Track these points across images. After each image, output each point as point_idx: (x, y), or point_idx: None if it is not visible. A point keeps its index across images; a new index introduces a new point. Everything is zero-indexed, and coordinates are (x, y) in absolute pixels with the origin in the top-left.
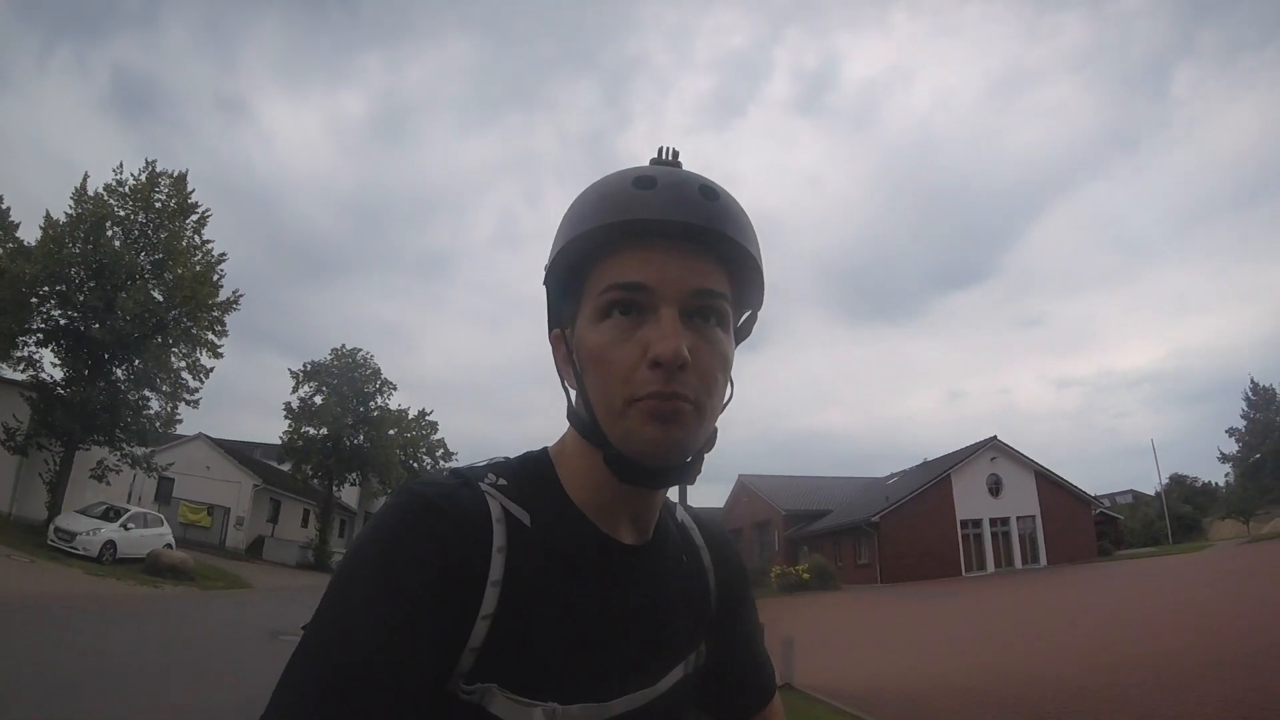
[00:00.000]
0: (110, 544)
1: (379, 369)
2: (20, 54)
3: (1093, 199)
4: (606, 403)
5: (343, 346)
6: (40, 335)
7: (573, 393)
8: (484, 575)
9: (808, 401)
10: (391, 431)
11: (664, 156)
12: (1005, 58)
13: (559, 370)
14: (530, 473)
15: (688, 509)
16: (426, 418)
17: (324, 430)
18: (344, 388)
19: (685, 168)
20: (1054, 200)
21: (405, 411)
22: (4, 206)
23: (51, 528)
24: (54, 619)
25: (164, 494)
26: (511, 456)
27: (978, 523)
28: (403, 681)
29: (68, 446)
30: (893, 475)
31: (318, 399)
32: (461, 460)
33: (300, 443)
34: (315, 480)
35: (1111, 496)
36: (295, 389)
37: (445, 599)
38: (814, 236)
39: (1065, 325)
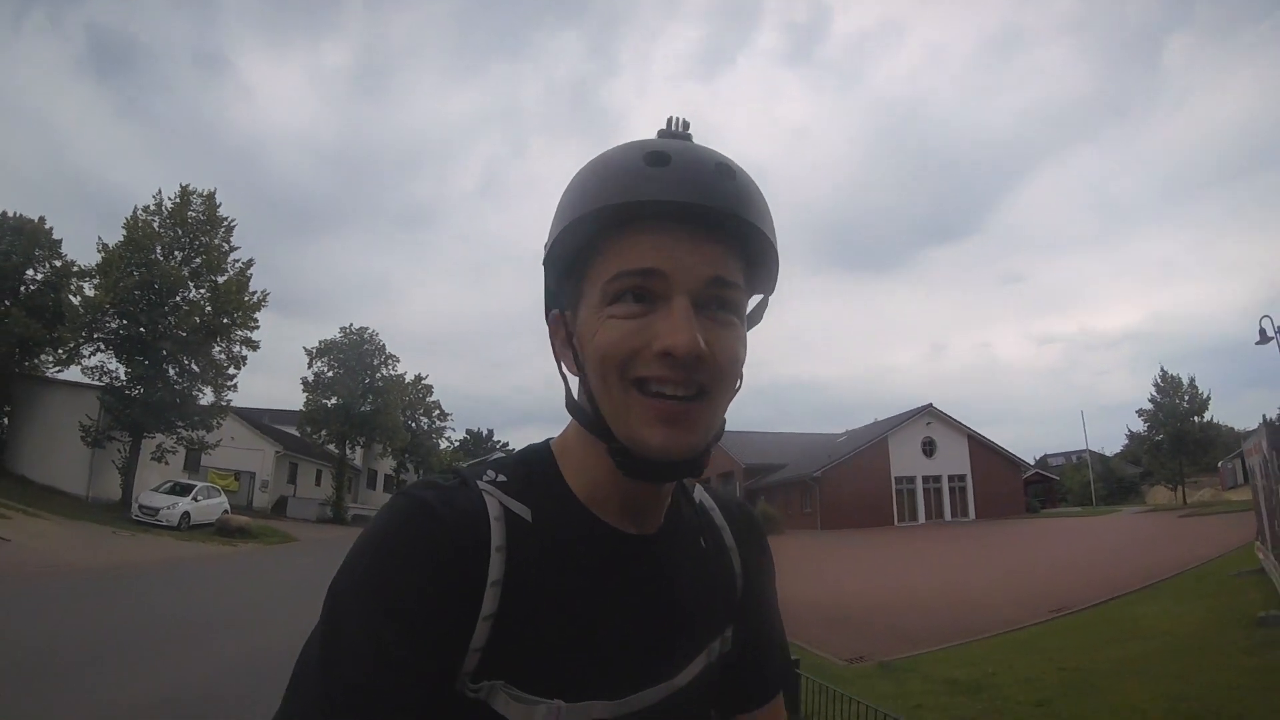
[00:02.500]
0: (186, 514)
1: (384, 345)
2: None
3: (1080, 163)
4: (609, 392)
5: (351, 325)
6: (104, 344)
7: (573, 380)
8: (483, 576)
9: (790, 351)
10: (395, 398)
11: (674, 128)
12: (999, 16)
13: (556, 355)
14: (531, 467)
15: (707, 488)
16: (423, 381)
17: (335, 400)
18: (353, 362)
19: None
20: (1041, 162)
21: (403, 376)
22: (49, 227)
23: (136, 505)
24: (186, 573)
25: (192, 463)
26: (513, 449)
27: (911, 479)
28: (405, 695)
29: (135, 437)
30: (843, 434)
31: (329, 372)
32: (455, 418)
33: (319, 413)
34: (331, 445)
35: (1069, 454)
36: (310, 364)
37: (444, 605)
38: (800, 188)
39: (1048, 284)
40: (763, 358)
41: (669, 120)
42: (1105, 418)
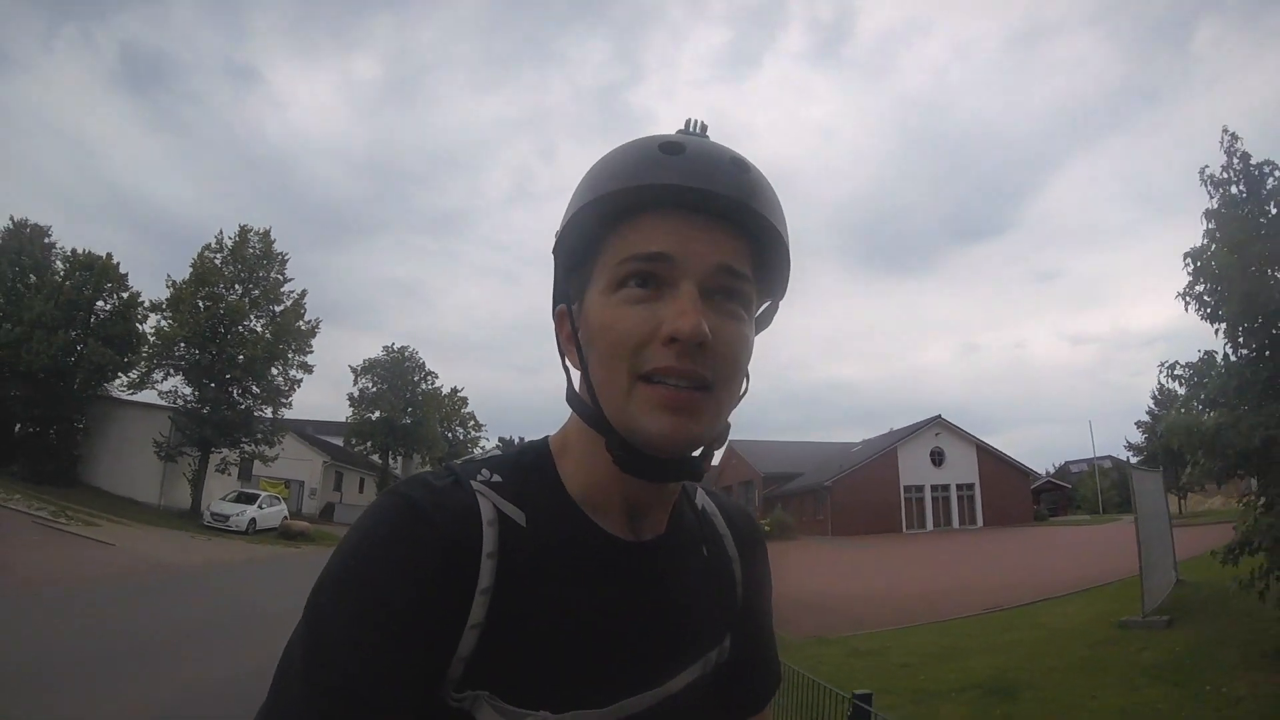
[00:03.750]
0: (253, 520)
1: (423, 363)
2: (26, 35)
3: (1112, 153)
4: (611, 380)
5: (393, 345)
6: (174, 369)
7: (575, 374)
8: (472, 583)
9: (821, 354)
10: (433, 411)
11: (691, 129)
12: (1025, 9)
13: (560, 349)
14: (528, 467)
15: (711, 494)
16: (458, 394)
17: (379, 414)
18: (395, 378)
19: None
20: (1073, 154)
21: (440, 389)
22: (116, 262)
23: (207, 512)
24: (265, 569)
25: (245, 473)
26: (512, 443)
27: (920, 488)
28: (387, 702)
29: (204, 451)
30: (859, 444)
31: (373, 388)
32: (489, 427)
33: (364, 426)
34: (374, 456)
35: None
36: (355, 380)
37: (430, 612)
38: (828, 187)
39: (1082, 280)
40: (794, 360)
41: (687, 122)
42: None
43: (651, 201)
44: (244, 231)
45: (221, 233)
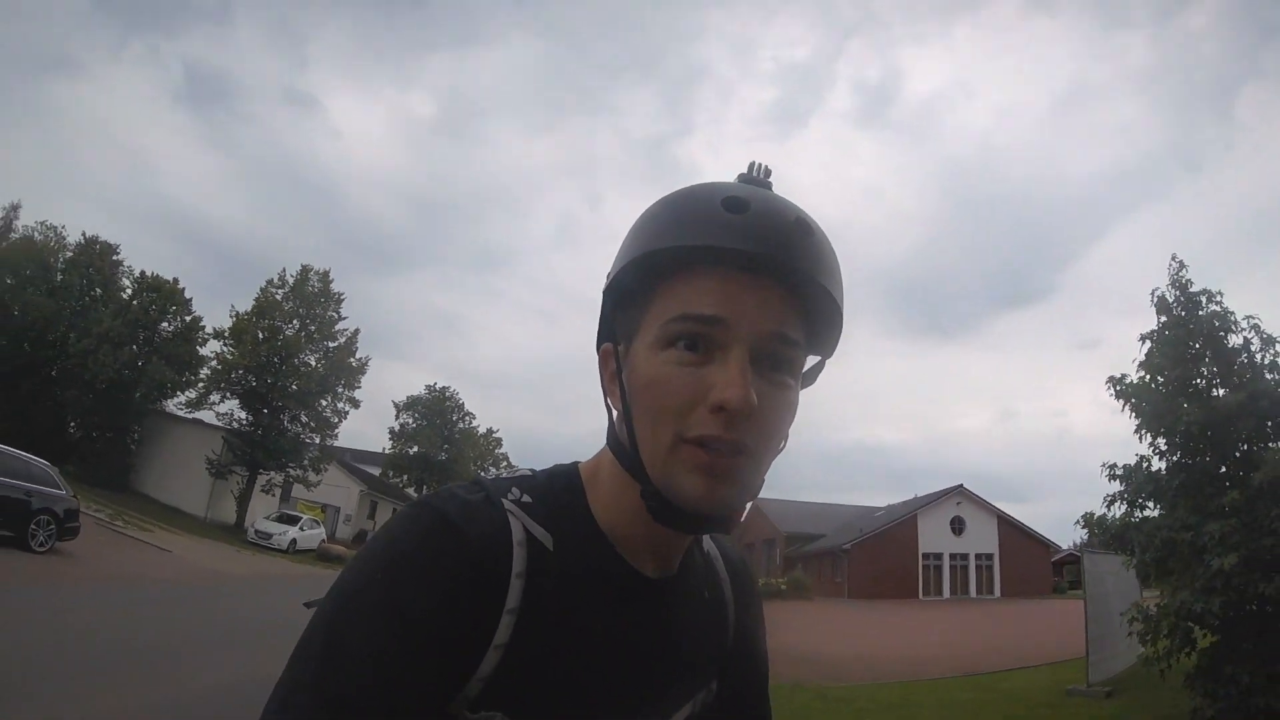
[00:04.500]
0: (294, 541)
1: (462, 403)
2: (98, 45)
3: (1154, 220)
4: (654, 438)
5: (434, 384)
6: (230, 394)
7: (615, 413)
8: (500, 602)
9: (857, 414)
10: (468, 450)
11: (755, 174)
12: (1068, 75)
13: (604, 387)
14: (558, 491)
15: (713, 538)
16: (494, 434)
17: (416, 449)
18: (435, 416)
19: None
20: (1115, 220)
21: (476, 429)
22: (181, 287)
23: (252, 530)
24: (302, 585)
25: (284, 494)
26: (538, 470)
27: (939, 555)
28: (403, 715)
29: (252, 471)
30: (882, 508)
31: (413, 424)
32: (519, 459)
33: (402, 459)
34: (410, 488)
35: None
36: (397, 416)
37: (455, 628)
38: (870, 248)
39: (1124, 349)
40: (826, 419)
41: (750, 165)
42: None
43: (709, 260)
44: (305, 270)
45: (285, 270)
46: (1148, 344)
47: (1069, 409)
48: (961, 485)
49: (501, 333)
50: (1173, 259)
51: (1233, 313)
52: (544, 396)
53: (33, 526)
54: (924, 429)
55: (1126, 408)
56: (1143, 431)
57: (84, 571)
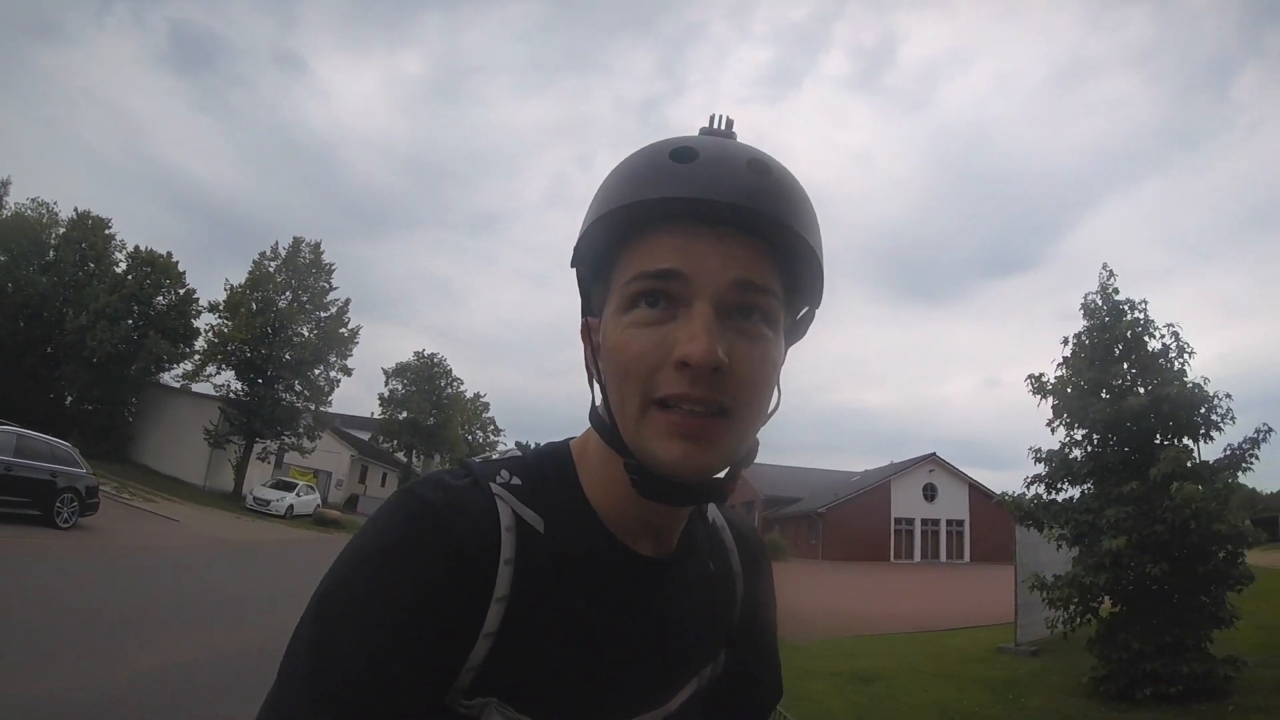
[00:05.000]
0: (291, 507)
1: (450, 369)
2: (80, 10)
3: (1147, 195)
4: (624, 404)
5: (423, 351)
6: (226, 364)
7: (598, 390)
8: (489, 590)
9: (845, 378)
10: (456, 415)
11: (715, 126)
12: (1068, 47)
13: (586, 365)
14: (548, 472)
15: (721, 507)
16: (481, 399)
17: (406, 415)
18: (423, 382)
19: (739, 139)
20: (1107, 193)
21: (464, 394)
22: (175, 260)
23: (250, 496)
24: (302, 549)
25: (277, 461)
26: (527, 450)
27: (910, 521)
28: (394, 710)
29: (249, 440)
30: (859, 474)
31: (402, 390)
32: (508, 430)
33: (392, 425)
34: (400, 453)
35: None
36: (386, 382)
37: (444, 619)
38: (860, 213)
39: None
40: (812, 382)
41: (711, 118)
42: None
43: (660, 215)
44: (297, 242)
45: (277, 243)
46: (1070, 345)
47: (1052, 378)
48: (934, 453)
49: (492, 295)
50: (1103, 267)
51: (1153, 320)
52: (534, 359)
53: (58, 504)
54: (909, 394)
55: (1043, 402)
56: (1054, 423)
57: (107, 543)
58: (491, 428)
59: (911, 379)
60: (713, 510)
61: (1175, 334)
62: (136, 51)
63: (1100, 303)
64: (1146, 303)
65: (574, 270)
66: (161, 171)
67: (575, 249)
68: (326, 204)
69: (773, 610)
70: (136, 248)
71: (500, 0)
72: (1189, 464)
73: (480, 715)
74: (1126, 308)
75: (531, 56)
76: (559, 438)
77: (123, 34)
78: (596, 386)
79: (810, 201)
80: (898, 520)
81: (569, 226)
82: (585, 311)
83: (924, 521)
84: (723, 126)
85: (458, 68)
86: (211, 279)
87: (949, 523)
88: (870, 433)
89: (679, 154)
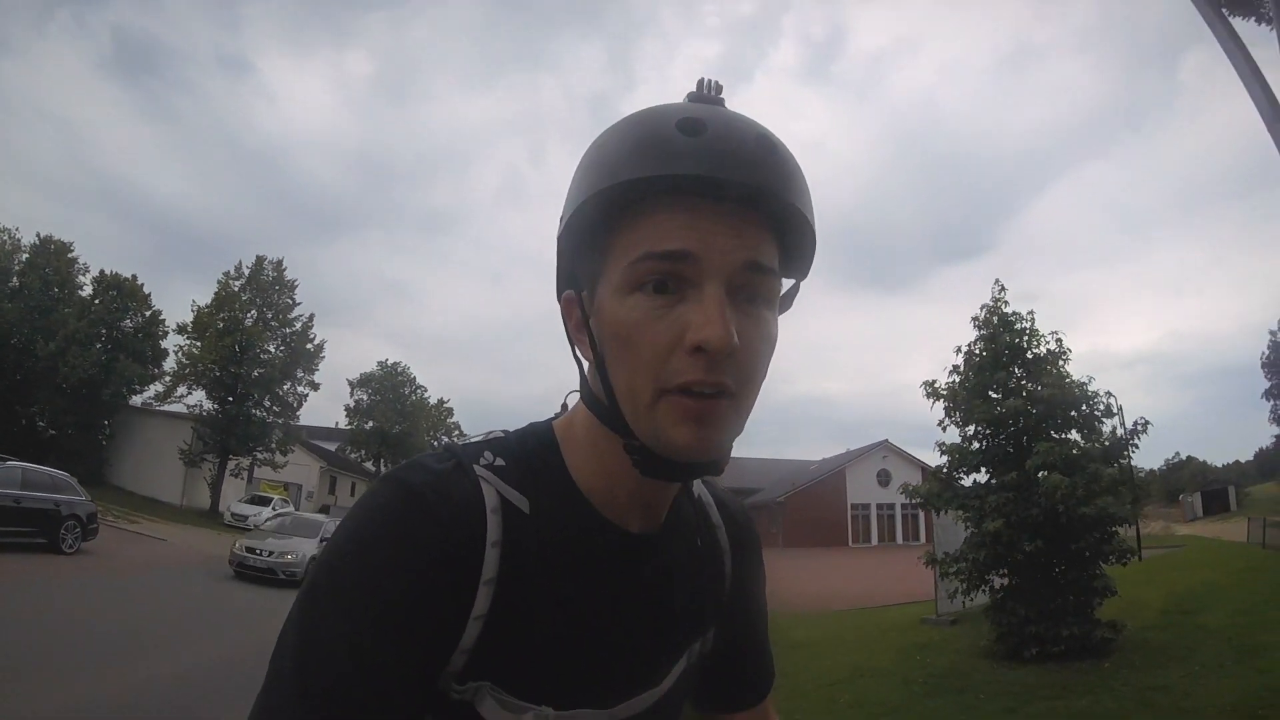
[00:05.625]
0: (267, 520)
1: (414, 377)
2: (19, 19)
3: (1094, 177)
4: (633, 391)
5: (386, 360)
6: (196, 384)
7: (586, 364)
8: (476, 573)
9: (803, 366)
10: (421, 422)
11: (706, 91)
12: (1014, 33)
13: (570, 338)
14: (532, 452)
15: (706, 483)
16: (445, 404)
17: (372, 424)
18: (388, 391)
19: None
20: (1056, 177)
21: (427, 400)
22: (140, 283)
23: (229, 512)
24: None
25: (248, 476)
26: (510, 430)
27: (866, 506)
28: (384, 699)
29: (223, 458)
30: (816, 462)
31: (367, 399)
32: (469, 424)
33: (359, 435)
34: (368, 462)
35: None
36: (352, 393)
37: (432, 605)
38: (815, 202)
39: (1062, 302)
40: (775, 372)
41: (700, 82)
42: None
43: (666, 189)
44: (260, 260)
45: (241, 262)
46: (962, 353)
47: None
48: (886, 440)
49: (448, 296)
50: (995, 282)
51: (1039, 330)
52: (493, 358)
53: (62, 531)
54: (867, 381)
55: (936, 404)
56: (945, 423)
57: (111, 565)
58: (456, 432)
59: (869, 366)
60: (699, 487)
61: (1059, 340)
62: (80, 61)
63: (990, 316)
64: (1034, 314)
65: (557, 241)
66: (106, 182)
67: (566, 221)
68: (276, 208)
69: (762, 587)
70: (102, 272)
71: None
72: (1074, 452)
73: (473, 699)
74: (1015, 319)
75: (480, 52)
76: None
77: (66, 42)
78: (585, 361)
79: (804, 174)
80: (854, 506)
81: (523, 223)
82: (568, 283)
83: (879, 506)
84: (713, 92)
85: (405, 65)
86: (161, 288)
87: (903, 506)
88: (830, 421)
89: (686, 126)
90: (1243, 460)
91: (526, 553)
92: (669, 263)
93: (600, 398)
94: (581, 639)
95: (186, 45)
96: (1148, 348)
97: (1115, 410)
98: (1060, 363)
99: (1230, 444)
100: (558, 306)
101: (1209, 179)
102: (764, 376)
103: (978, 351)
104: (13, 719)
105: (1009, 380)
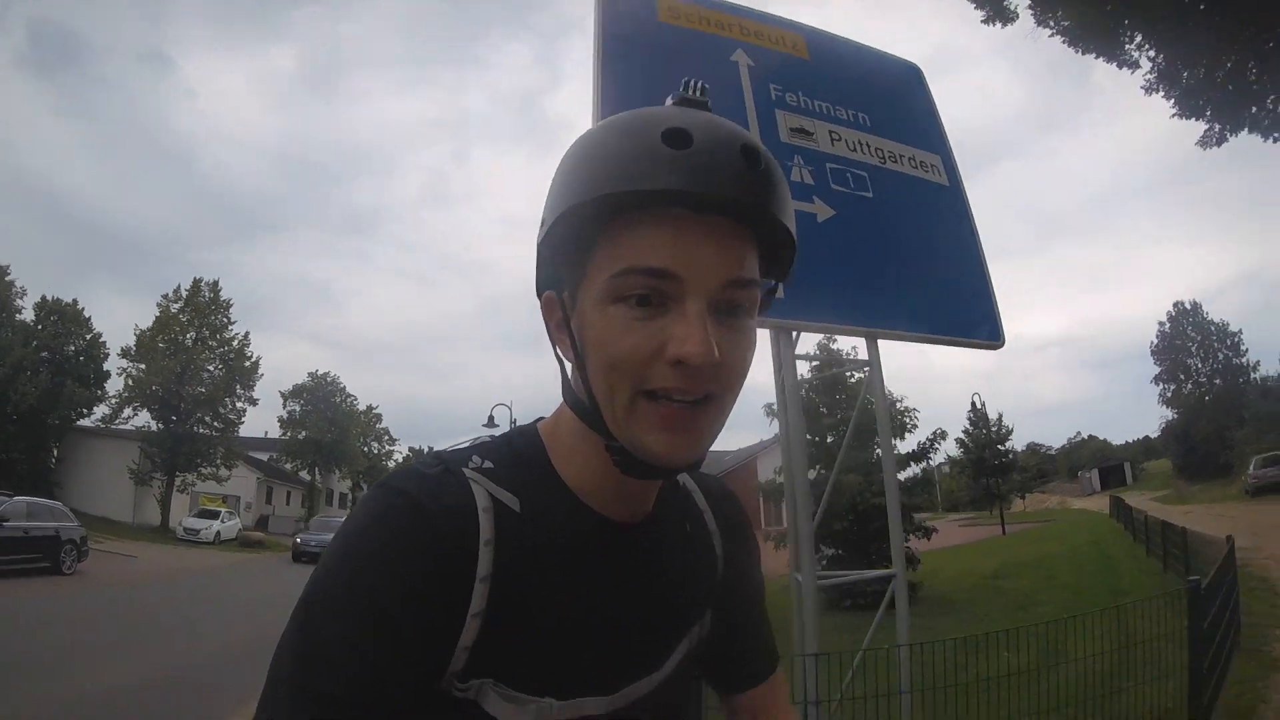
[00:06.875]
0: (218, 533)
1: (344, 386)
2: None
3: (1008, 175)
4: (612, 395)
5: (317, 370)
6: (141, 405)
7: (569, 365)
8: (471, 571)
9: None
10: (352, 429)
11: (691, 93)
12: (935, 39)
13: (551, 337)
14: (519, 453)
15: (690, 471)
16: (374, 410)
17: (305, 434)
18: (319, 401)
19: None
20: (972, 174)
21: (356, 407)
22: (81, 307)
23: (181, 527)
24: (245, 569)
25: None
26: (496, 435)
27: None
28: (386, 703)
29: (170, 476)
30: (731, 452)
31: (299, 410)
32: (400, 439)
33: (294, 445)
34: (303, 472)
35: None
36: (284, 404)
37: (430, 607)
38: None
39: None
40: None
41: (685, 84)
42: (1038, 418)
43: (654, 201)
44: (196, 283)
45: (179, 285)
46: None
47: (926, 350)
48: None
49: (373, 297)
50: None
51: (866, 360)
52: (421, 362)
53: (62, 555)
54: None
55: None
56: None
57: (102, 580)
58: (386, 437)
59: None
60: (683, 475)
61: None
62: None
63: (820, 352)
64: (856, 349)
65: (537, 248)
66: (21, 178)
67: (549, 227)
68: (196, 206)
69: (756, 569)
70: (44, 297)
71: None
72: (872, 460)
73: (477, 696)
74: (839, 354)
75: (406, 50)
76: (457, 440)
77: None
78: (566, 361)
79: (786, 182)
80: (765, 492)
81: (449, 224)
82: (548, 284)
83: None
84: (698, 94)
85: (330, 63)
86: (79, 290)
87: None
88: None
89: (672, 137)
90: (1151, 436)
91: (519, 549)
92: (652, 279)
93: (582, 398)
94: (579, 629)
95: (106, 39)
96: (1059, 333)
97: (912, 426)
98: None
99: (1132, 423)
100: (483, 310)
101: (1122, 176)
102: (745, 378)
103: (810, 379)
104: (96, 689)
105: (834, 401)
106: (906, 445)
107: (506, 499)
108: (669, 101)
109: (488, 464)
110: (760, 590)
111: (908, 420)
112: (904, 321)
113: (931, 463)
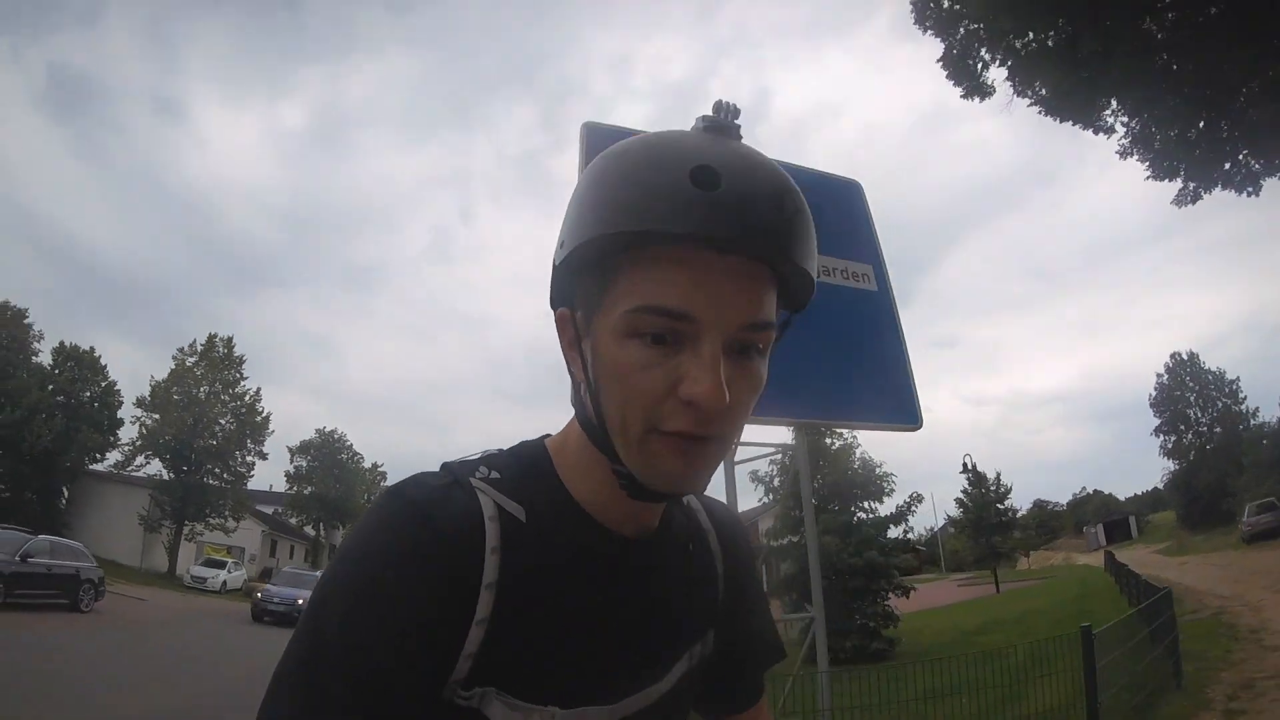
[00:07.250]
0: (224, 582)
1: (351, 444)
2: None
3: (1008, 229)
4: (625, 427)
5: (324, 428)
6: (154, 454)
7: (580, 385)
8: (477, 578)
9: None
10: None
11: (723, 116)
12: (931, 93)
13: (564, 352)
14: (526, 465)
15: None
16: (379, 469)
17: (310, 489)
18: (326, 458)
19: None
20: (971, 230)
21: (362, 464)
22: (98, 355)
23: (189, 574)
24: (243, 617)
25: (193, 537)
26: (504, 448)
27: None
28: (391, 710)
29: (179, 524)
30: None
31: (305, 466)
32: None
33: (299, 500)
34: (308, 527)
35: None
36: (291, 460)
37: (436, 613)
38: None
39: (979, 347)
40: None
41: (716, 106)
42: (1044, 473)
43: (676, 240)
44: (211, 338)
45: (195, 340)
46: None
47: (930, 404)
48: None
49: (375, 351)
50: None
51: (841, 433)
52: (422, 416)
53: (80, 593)
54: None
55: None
56: (776, 501)
57: (121, 619)
58: None
59: None
60: (690, 495)
61: (854, 436)
62: (11, 93)
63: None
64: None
65: (552, 270)
66: (31, 219)
67: (570, 252)
68: (200, 255)
69: (757, 589)
70: (61, 343)
71: (383, 54)
72: (853, 521)
73: (480, 705)
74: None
75: (413, 110)
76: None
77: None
78: (577, 379)
79: (813, 224)
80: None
81: (450, 280)
82: (562, 301)
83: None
84: (729, 117)
85: (339, 119)
86: (79, 336)
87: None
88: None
89: (700, 177)
90: (1159, 488)
91: (525, 558)
92: (669, 320)
93: (592, 418)
94: (582, 638)
95: (121, 85)
96: (1062, 387)
97: (890, 489)
98: (851, 454)
99: (1140, 477)
100: (486, 364)
101: (1120, 227)
102: (748, 416)
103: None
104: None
105: (816, 467)
106: (886, 508)
107: (513, 509)
108: (697, 123)
109: (495, 474)
110: (764, 613)
111: (886, 485)
112: (831, 411)
113: (911, 525)
